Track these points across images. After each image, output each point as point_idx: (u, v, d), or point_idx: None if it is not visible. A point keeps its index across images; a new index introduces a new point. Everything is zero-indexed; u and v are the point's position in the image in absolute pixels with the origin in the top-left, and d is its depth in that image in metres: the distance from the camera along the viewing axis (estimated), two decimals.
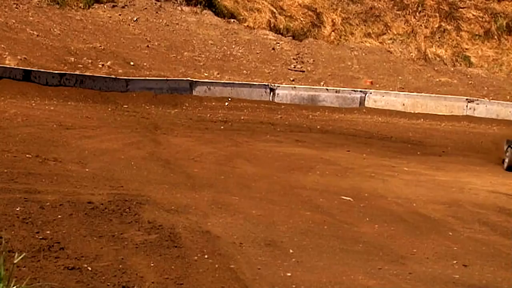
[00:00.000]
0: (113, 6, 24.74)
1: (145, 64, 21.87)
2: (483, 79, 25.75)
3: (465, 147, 19.66)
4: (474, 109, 23.21)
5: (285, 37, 25.94)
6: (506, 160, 17.24)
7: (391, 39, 26.95)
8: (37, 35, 21.39)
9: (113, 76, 20.06)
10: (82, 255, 7.14)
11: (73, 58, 20.66)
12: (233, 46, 24.70)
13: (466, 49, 26.99)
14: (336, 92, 22.91)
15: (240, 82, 22.09)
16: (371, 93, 23.18)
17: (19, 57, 19.31)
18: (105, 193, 9.67)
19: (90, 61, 20.88)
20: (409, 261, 8.53)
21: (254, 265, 7.64)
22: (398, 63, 25.96)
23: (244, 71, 23.40)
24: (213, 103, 20.99)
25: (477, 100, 23.46)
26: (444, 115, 22.95)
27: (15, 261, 5.35)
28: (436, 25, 27.37)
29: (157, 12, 25.18)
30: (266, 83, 22.44)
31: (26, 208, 8.35)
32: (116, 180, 10.65)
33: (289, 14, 26.87)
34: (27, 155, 11.23)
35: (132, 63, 21.60)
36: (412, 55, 26.37)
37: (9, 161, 10.70)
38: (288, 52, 25.16)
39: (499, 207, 12.35)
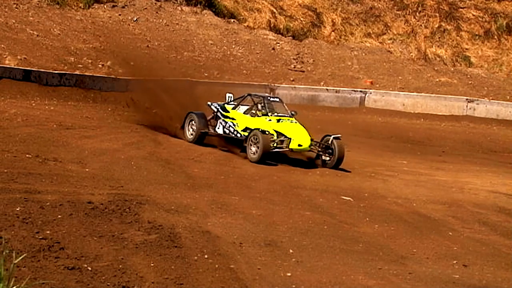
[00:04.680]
0: (113, 6, 24.73)
1: (145, 64, 21.85)
2: (483, 79, 25.75)
3: (465, 147, 19.67)
4: (474, 109, 23.22)
5: (285, 37, 25.93)
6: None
7: (391, 39, 26.94)
8: (37, 35, 21.38)
9: (113, 76, 20.04)
10: (82, 255, 7.14)
11: (73, 58, 20.65)
12: (233, 46, 24.70)
13: (466, 49, 26.99)
14: (336, 92, 22.92)
15: (240, 82, 22.08)
16: (371, 93, 23.19)
17: (19, 57, 19.31)
18: (105, 193, 9.67)
19: (90, 61, 20.88)
20: (409, 261, 8.53)
21: (254, 265, 7.65)
22: (398, 63, 25.95)
23: (244, 71, 23.40)
24: None
25: (477, 100, 23.48)
26: (444, 115, 22.96)
27: (15, 261, 5.35)
28: (436, 25, 27.37)
29: (157, 12, 25.17)
30: (266, 83, 22.44)
31: (26, 208, 8.35)
32: (116, 180, 10.66)
33: (289, 14, 26.86)
34: (27, 155, 11.23)
35: (132, 63, 21.59)
36: (412, 55, 26.37)
37: (9, 161, 10.70)
38: (288, 52, 25.15)
39: (499, 207, 12.36)
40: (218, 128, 14.95)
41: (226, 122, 14.81)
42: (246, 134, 14.21)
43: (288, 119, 14.35)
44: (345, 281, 7.50)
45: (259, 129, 13.90)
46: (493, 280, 8.19)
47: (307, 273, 7.62)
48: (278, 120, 14.28)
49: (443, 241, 9.68)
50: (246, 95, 15.27)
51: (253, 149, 13.82)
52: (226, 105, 15.19)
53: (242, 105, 15.07)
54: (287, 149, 13.97)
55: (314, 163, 14.33)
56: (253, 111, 14.63)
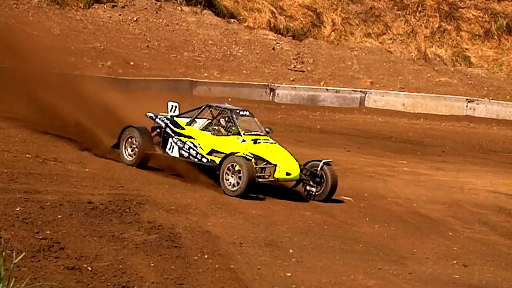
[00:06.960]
0: (113, 6, 24.73)
1: (145, 64, 21.86)
2: (483, 79, 25.75)
3: (465, 147, 19.66)
4: (474, 109, 23.22)
5: (285, 37, 25.92)
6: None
7: (391, 39, 26.94)
8: (37, 35, 21.37)
9: (113, 76, 20.04)
10: (82, 255, 7.15)
11: (73, 58, 20.65)
12: (233, 46, 24.69)
13: (466, 49, 26.98)
14: (336, 92, 22.91)
15: (240, 82, 22.09)
16: (371, 93, 23.19)
17: None
18: (105, 193, 9.68)
19: (90, 61, 20.88)
20: (409, 261, 8.54)
21: (254, 265, 7.65)
22: (398, 63, 25.95)
23: (244, 71, 23.39)
24: None
25: (477, 100, 23.47)
26: (444, 115, 22.95)
27: (15, 261, 5.35)
28: (436, 25, 27.36)
29: (157, 12, 25.16)
30: (266, 83, 22.44)
31: (26, 208, 8.36)
32: (116, 180, 10.66)
33: (289, 14, 26.86)
34: (27, 155, 11.23)
35: (132, 63, 21.60)
36: (412, 55, 26.36)
37: (9, 161, 10.70)
38: (288, 52, 25.14)
39: (499, 207, 12.36)
40: (171, 149, 11.56)
41: (183, 143, 11.42)
42: (214, 159, 11.07)
43: (265, 139, 11.20)
44: (345, 281, 7.51)
45: (235, 153, 10.75)
46: (493, 280, 8.20)
47: (307, 273, 7.63)
48: (255, 141, 11.06)
49: (443, 241, 9.69)
50: (204, 106, 11.75)
51: (232, 180, 10.60)
52: (177, 119, 11.79)
53: (198, 118, 11.74)
54: (272, 179, 10.91)
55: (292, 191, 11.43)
56: (216, 128, 11.38)
